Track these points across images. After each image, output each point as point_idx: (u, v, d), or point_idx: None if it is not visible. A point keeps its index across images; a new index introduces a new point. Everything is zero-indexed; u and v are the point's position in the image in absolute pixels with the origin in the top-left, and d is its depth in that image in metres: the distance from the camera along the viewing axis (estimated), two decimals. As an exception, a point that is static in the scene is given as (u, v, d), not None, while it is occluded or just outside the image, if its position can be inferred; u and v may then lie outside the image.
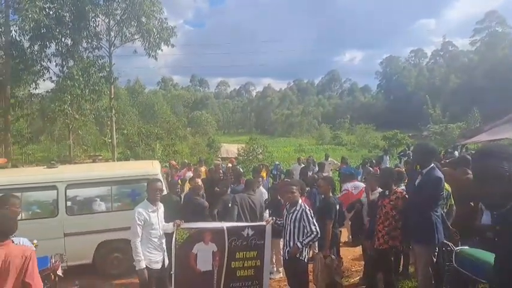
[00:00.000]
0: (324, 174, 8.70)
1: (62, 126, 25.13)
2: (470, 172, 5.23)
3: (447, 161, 8.62)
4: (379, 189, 4.80)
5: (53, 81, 18.52)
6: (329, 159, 14.44)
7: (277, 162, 13.25)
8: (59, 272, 3.46)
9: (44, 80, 18.14)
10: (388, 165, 15.25)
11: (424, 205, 3.90)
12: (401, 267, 5.81)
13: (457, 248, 3.83)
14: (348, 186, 7.12)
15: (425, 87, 61.23)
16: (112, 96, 18.93)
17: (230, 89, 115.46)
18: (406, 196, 4.28)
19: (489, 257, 3.38)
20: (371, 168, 10.43)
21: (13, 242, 2.99)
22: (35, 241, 3.64)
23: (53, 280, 3.11)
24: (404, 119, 49.18)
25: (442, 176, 3.98)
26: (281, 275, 6.04)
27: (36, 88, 18.45)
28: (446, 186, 4.45)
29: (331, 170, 11.38)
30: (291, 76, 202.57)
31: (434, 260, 4.01)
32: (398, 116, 55.55)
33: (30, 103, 19.57)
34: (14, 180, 6.01)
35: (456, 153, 13.78)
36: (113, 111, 19.07)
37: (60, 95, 17.42)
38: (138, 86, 57.40)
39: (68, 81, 17.11)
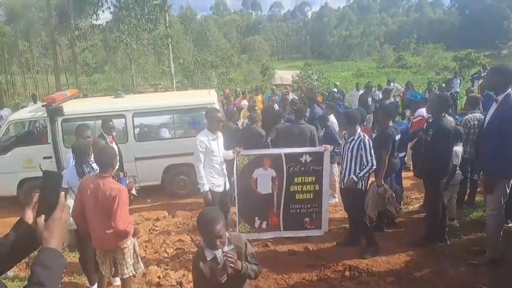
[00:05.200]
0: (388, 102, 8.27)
1: (123, 56, 26.24)
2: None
3: None
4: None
5: (111, 13, 18.91)
6: (391, 84, 13.43)
7: (334, 89, 12.70)
8: (133, 192, 3.82)
9: (103, 10, 18.55)
10: (458, 90, 14.02)
11: (503, 136, 3.51)
12: (466, 196, 5.61)
13: None
14: (422, 111, 6.68)
15: (510, -2, 52.79)
16: (167, 25, 18.89)
17: (284, 11, 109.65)
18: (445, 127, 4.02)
19: None
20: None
21: (113, 177, 3.18)
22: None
23: (128, 198, 3.43)
24: (480, 37, 43.77)
25: None
26: (336, 200, 6.15)
27: (97, 19, 19.02)
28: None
29: (394, 96, 10.66)
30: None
31: (508, 191, 3.74)
32: (473, 33, 49.52)
33: (92, 34, 20.35)
34: (88, 110, 6.60)
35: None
36: (169, 39, 19.21)
37: (118, 25, 17.89)
38: (189, 12, 56.59)
39: (124, 11, 17.36)
